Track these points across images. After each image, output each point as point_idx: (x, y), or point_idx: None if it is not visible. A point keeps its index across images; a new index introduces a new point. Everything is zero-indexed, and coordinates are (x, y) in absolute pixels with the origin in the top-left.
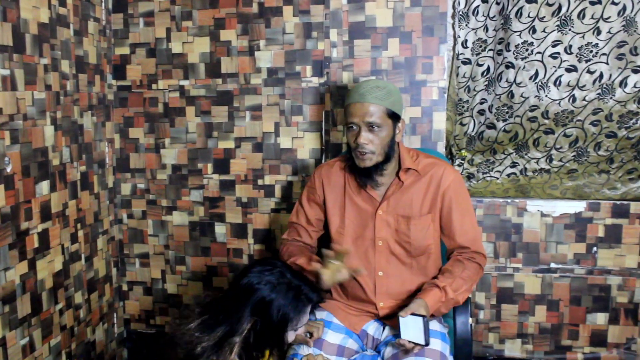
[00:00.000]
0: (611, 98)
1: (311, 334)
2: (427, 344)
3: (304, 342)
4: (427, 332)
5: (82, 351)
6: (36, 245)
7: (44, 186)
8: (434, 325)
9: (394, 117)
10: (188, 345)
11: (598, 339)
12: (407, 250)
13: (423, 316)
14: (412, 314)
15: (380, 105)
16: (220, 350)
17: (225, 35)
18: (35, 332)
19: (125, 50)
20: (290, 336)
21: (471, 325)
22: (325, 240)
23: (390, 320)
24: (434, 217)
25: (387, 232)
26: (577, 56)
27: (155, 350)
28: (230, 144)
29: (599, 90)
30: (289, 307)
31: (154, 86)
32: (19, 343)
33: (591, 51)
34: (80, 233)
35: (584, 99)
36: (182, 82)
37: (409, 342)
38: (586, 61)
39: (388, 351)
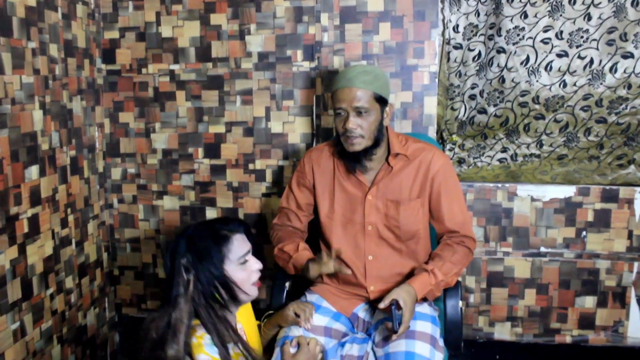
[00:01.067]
0: (601, 84)
1: (298, 315)
2: (395, 331)
3: (294, 323)
4: (395, 320)
5: (74, 335)
6: (26, 230)
7: (33, 171)
8: (424, 308)
9: (382, 101)
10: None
11: (586, 321)
12: (396, 235)
13: (391, 305)
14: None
15: (367, 89)
16: (178, 323)
17: (216, 19)
18: (26, 317)
19: (115, 34)
20: (236, 272)
21: (461, 308)
22: (314, 224)
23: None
24: (423, 202)
25: (376, 217)
26: (568, 42)
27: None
28: (221, 129)
29: (590, 76)
30: (209, 243)
31: (143, 70)
32: (9, 327)
33: (582, 37)
34: (71, 218)
35: (575, 85)
36: (172, 67)
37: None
38: (577, 47)
39: (379, 334)
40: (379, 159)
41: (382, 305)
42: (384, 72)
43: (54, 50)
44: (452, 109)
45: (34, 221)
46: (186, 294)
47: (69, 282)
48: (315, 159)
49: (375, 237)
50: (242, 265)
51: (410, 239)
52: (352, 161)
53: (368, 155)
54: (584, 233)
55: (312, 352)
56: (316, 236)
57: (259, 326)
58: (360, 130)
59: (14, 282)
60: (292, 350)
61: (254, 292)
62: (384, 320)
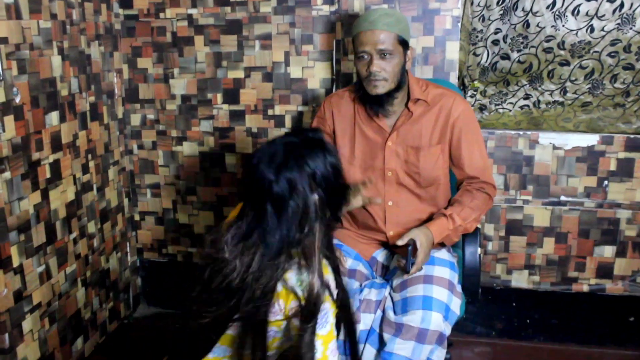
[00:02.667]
0: (631, 28)
1: None
2: (407, 271)
3: None
4: (409, 261)
5: (97, 279)
6: (48, 175)
7: (53, 117)
8: (443, 254)
9: (404, 44)
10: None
11: (604, 271)
12: (416, 181)
13: (408, 245)
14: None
15: (391, 32)
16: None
17: None
18: (51, 260)
19: None
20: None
21: (479, 255)
22: None
23: (399, 248)
24: (444, 148)
25: (396, 163)
26: None
27: (168, 279)
28: (240, 74)
29: (619, 20)
30: (328, 154)
31: (161, 15)
32: (36, 270)
33: None
34: (91, 164)
35: (603, 29)
36: (190, 11)
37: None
38: None
39: (397, 278)
40: (399, 103)
41: (400, 242)
42: (404, 15)
43: None
44: (475, 54)
45: (55, 167)
46: (316, 217)
47: (91, 227)
48: (335, 104)
49: (395, 183)
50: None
51: (430, 185)
52: (375, 104)
53: (390, 99)
54: (605, 182)
55: None
56: None
57: None
58: (384, 73)
59: (38, 227)
60: None
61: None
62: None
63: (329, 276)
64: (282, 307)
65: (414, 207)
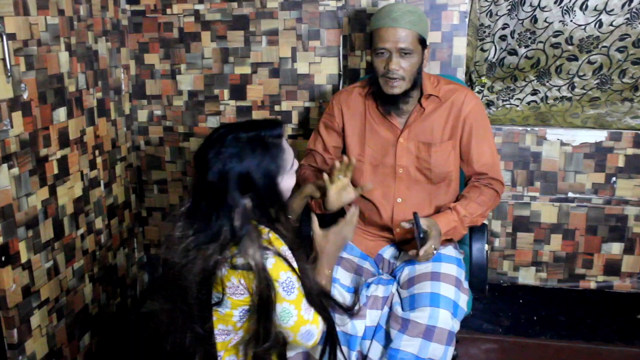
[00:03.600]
0: None
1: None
2: (421, 235)
3: (326, 187)
4: (419, 228)
5: (104, 274)
6: (56, 171)
7: (61, 113)
8: (450, 251)
9: (423, 43)
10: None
11: (612, 268)
12: (427, 177)
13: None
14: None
15: (413, 30)
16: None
17: None
18: (59, 256)
19: None
20: (288, 180)
21: (486, 252)
22: None
23: (406, 245)
24: (455, 144)
25: (407, 160)
26: None
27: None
28: (247, 70)
29: (628, 15)
30: (265, 160)
31: (168, 11)
32: (43, 266)
33: None
34: (99, 160)
35: (611, 24)
36: (197, 7)
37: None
38: None
39: (404, 275)
40: (412, 102)
41: (405, 224)
42: (424, 13)
43: None
44: (482, 50)
45: (63, 163)
46: (247, 215)
47: (99, 223)
48: (345, 101)
49: (406, 180)
50: (291, 170)
51: (441, 181)
52: (389, 103)
53: (405, 98)
54: (613, 179)
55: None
56: None
57: None
58: (402, 72)
59: (46, 222)
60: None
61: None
62: (410, 263)
63: (285, 248)
64: (245, 285)
65: (424, 205)
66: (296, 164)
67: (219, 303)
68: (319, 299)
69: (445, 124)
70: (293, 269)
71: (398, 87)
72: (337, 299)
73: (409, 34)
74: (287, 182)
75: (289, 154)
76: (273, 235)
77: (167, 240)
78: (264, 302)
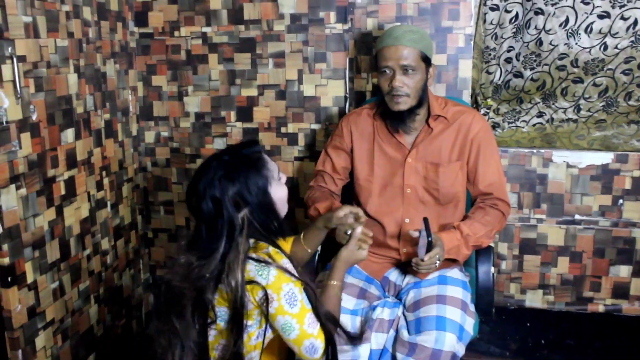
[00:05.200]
0: None
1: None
2: (429, 239)
3: (343, 222)
4: (428, 230)
5: (110, 296)
6: (63, 192)
7: (69, 134)
8: (455, 273)
9: (427, 61)
10: (192, 277)
11: (620, 291)
12: (435, 198)
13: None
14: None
15: (414, 48)
16: (234, 261)
17: None
18: (65, 277)
19: None
20: (278, 190)
21: (493, 274)
22: (349, 188)
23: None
24: (462, 165)
25: (415, 180)
26: (610, 2)
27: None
28: (254, 92)
29: (632, 38)
30: (250, 172)
31: (176, 33)
32: (49, 286)
33: None
34: (106, 181)
35: (616, 47)
36: (205, 29)
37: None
38: (620, 7)
39: (410, 298)
40: (420, 120)
41: (413, 232)
42: (427, 32)
43: (87, 13)
44: (488, 72)
45: (70, 183)
46: (241, 233)
47: (105, 244)
48: (354, 122)
49: (414, 201)
50: (279, 182)
51: (449, 202)
52: (396, 120)
53: (412, 115)
54: (620, 201)
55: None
56: (347, 201)
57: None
58: (406, 89)
59: (53, 243)
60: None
61: (286, 208)
62: (415, 285)
63: (285, 260)
64: (250, 298)
65: (431, 225)
66: (283, 177)
67: (211, 323)
68: (324, 320)
69: (453, 145)
70: (296, 279)
71: (403, 103)
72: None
73: (411, 51)
74: (277, 192)
75: (272, 165)
76: (273, 250)
77: (169, 263)
78: (236, 315)
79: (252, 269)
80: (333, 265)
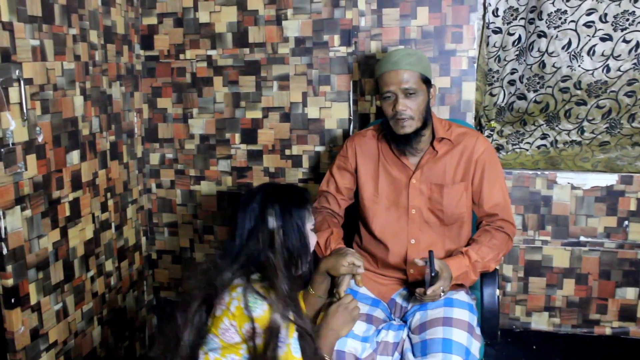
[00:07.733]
0: None
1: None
2: (432, 274)
3: (348, 272)
4: (432, 266)
5: (113, 317)
6: (67, 213)
7: (74, 156)
8: (461, 296)
9: (427, 82)
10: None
11: (627, 313)
12: (439, 219)
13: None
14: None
15: (414, 70)
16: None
17: (253, 4)
18: (68, 298)
19: (153, 20)
20: (311, 234)
21: (498, 297)
22: (354, 210)
23: (417, 287)
24: (467, 186)
25: (420, 201)
26: (612, 25)
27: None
28: (258, 114)
29: (635, 60)
30: (296, 199)
31: (181, 56)
32: (53, 308)
33: (627, 19)
34: (110, 202)
35: (619, 69)
36: (210, 52)
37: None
38: (622, 30)
39: (415, 320)
40: (425, 141)
41: (419, 261)
42: (424, 54)
43: (94, 36)
44: (491, 94)
45: (75, 205)
46: (272, 244)
47: (109, 265)
48: (359, 143)
49: (419, 221)
50: (312, 232)
51: (453, 223)
52: (402, 143)
53: (418, 137)
54: (625, 222)
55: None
56: (352, 221)
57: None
58: (409, 112)
59: (57, 265)
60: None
61: (306, 267)
62: (421, 307)
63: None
64: (236, 327)
65: (437, 246)
66: (314, 237)
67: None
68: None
69: (457, 166)
70: (288, 321)
71: (409, 126)
72: (349, 351)
73: (411, 74)
74: (310, 234)
75: (312, 215)
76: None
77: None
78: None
79: (250, 299)
80: (322, 335)
